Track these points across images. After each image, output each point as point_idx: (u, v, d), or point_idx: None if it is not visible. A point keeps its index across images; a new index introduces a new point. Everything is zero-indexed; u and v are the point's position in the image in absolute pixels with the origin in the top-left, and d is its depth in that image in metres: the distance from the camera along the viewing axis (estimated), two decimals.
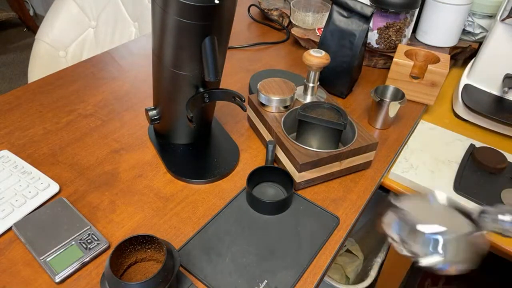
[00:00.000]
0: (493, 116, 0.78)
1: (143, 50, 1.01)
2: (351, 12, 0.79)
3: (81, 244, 0.52)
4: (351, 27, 0.80)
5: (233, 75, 0.93)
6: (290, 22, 1.11)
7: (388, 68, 0.84)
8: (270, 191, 0.63)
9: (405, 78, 0.83)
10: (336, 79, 0.84)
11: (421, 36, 0.99)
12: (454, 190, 0.65)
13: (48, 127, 0.73)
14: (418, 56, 0.86)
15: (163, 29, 0.52)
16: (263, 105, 0.70)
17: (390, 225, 0.43)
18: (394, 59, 0.82)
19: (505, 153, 0.71)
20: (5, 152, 0.65)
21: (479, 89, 0.87)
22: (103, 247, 0.52)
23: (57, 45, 1.24)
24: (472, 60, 0.91)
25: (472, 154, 0.71)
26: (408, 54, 0.84)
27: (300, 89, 0.75)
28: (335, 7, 0.81)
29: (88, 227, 0.54)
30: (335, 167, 0.63)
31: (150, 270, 0.48)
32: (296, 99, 0.72)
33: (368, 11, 0.77)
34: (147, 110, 0.65)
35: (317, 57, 0.68)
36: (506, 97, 0.84)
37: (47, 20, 1.23)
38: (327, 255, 0.54)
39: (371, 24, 0.91)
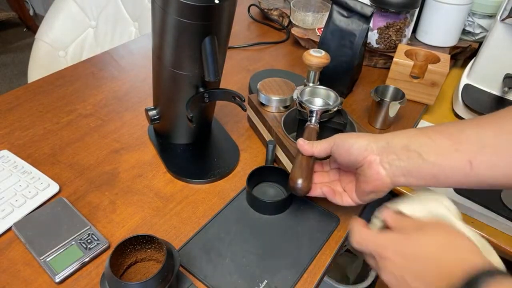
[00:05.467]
0: None
1: (143, 50, 1.01)
2: (351, 12, 0.79)
3: (81, 244, 0.52)
4: (351, 27, 0.80)
5: (233, 75, 0.93)
6: (290, 22, 1.11)
7: (388, 68, 0.84)
8: (270, 191, 0.63)
9: (405, 78, 0.83)
10: (336, 79, 0.84)
11: (421, 36, 0.99)
12: (454, 190, 0.65)
13: (48, 127, 0.73)
14: (418, 56, 0.86)
15: (163, 29, 0.52)
16: (263, 105, 0.70)
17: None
18: (394, 59, 0.82)
19: None
20: (5, 152, 0.65)
21: (479, 89, 0.87)
22: (103, 247, 0.52)
23: (57, 45, 1.24)
24: (472, 60, 0.91)
25: None
26: (408, 54, 0.84)
27: (300, 89, 0.75)
28: (335, 7, 0.81)
29: (88, 227, 0.54)
30: None
31: (150, 270, 0.48)
32: None
33: (368, 11, 0.77)
34: (147, 110, 0.65)
35: (317, 56, 0.68)
36: (506, 97, 0.84)
37: (47, 20, 1.23)
38: (327, 255, 0.54)
39: (371, 24, 0.91)
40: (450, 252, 0.36)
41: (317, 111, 0.59)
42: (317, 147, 0.51)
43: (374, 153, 0.45)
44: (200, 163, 0.67)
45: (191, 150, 0.69)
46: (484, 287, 0.31)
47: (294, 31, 1.02)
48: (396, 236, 0.40)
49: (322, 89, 0.65)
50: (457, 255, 0.36)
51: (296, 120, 0.65)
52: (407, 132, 0.45)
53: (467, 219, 0.63)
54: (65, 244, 0.52)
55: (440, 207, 0.42)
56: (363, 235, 0.43)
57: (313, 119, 0.59)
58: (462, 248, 0.36)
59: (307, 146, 0.52)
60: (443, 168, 0.41)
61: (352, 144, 0.47)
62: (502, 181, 0.40)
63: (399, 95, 0.76)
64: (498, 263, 0.39)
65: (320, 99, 0.65)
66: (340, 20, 0.81)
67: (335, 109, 0.61)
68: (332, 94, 0.63)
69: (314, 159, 0.53)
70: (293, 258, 0.53)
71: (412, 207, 0.42)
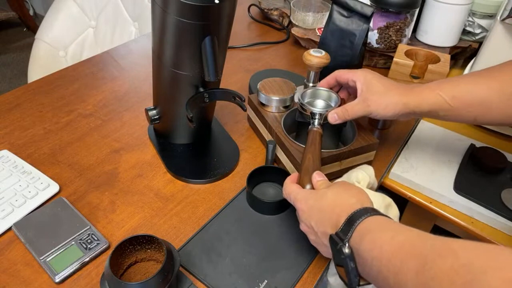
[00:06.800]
0: None
1: (143, 50, 1.01)
2: (351, 11, 0.79)
3: (81, 244, 0.52)
4: (351, 27, 0.80)
5: (233, 75, 0.93)
6: (290, 22, 1.11)
7: (388, 68, 0.84)
8: (270, 191, 0.63)
9: (405, 78, 0.83)
10: None
11: (421, 36, 0.99)
12: (454, 190, 0.65)
13: (48, 127, 0.73)
14: (418, 56, 0.86)
15: (163, 29, 0.52)
16: (263, 105, 0.70)
17: None
18: (394, 59, 0.82)
19: (505, 153, 0.71)
20: (5, 152, 0.65)
21: None
22: (103, 247, 0.52)
23: (57, 45, 1.24)
24: (472, 60, 0.91)
25: (472, 154, 0.71)
26: (408, 54, 0.84)
27: (300, 89, 0.75)
28: (335, 7, 0.81)
29: (88, 227, 0.54)
30: (335, 167, 0.63)
31: (150, 270, 0.48)
32: None
33: (368, 10, 0.77)
34: (147, 110, 0.65)
35: (317, 56, 0.68)
36: None
37: (47, 20, 1.23)
38: None
39: (371, 24, 0.91)
40: (341, 201, 0.44)
41: (320, 113, 0.59)
42: (352, 114, 0.59)
43: (400, 114, 0.57)
44: (200, 163, 0.67)
45: (191, 150, 0.69)
46: (360, 221, 0.40)
47: (294, 31, 1.02)
48: (309, 191, 0.49)
49: (323, 91, 0.64)
50: (345, 202, 0.44)
51: (296, 120, 0.65)
52: (429, 98, 0.56)
53: (467, 219, 0.63)
54: (65, 244, 0.52)
55: (353, 175, 0.56)
56: (289, 189, 0.51)
57: (316, 121, 0.59)
58: (351, 197, 0.45)
59: (341, 117, 0.59)
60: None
61: (386, 108, 0.57)
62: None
63: None
64: (395, 216, 0.52)
65: (321, 100, 0.65)
66: (340, 20, 0.81)
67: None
68: (334, 95, 0.63)
69: (320, 161, 0.54)
70: (293, 258, 0.53)
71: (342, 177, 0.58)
